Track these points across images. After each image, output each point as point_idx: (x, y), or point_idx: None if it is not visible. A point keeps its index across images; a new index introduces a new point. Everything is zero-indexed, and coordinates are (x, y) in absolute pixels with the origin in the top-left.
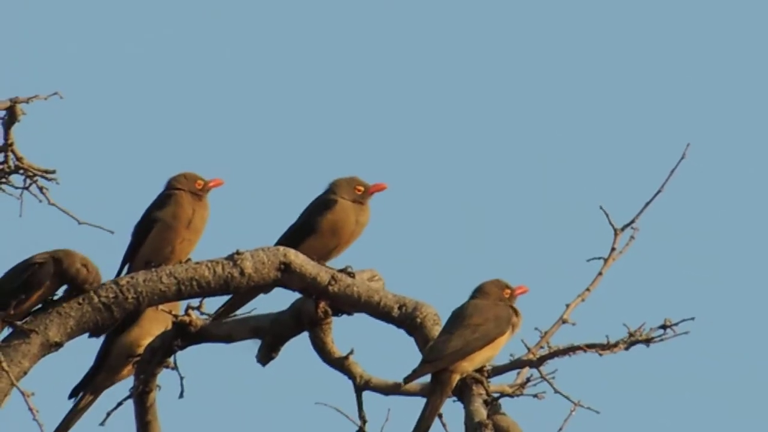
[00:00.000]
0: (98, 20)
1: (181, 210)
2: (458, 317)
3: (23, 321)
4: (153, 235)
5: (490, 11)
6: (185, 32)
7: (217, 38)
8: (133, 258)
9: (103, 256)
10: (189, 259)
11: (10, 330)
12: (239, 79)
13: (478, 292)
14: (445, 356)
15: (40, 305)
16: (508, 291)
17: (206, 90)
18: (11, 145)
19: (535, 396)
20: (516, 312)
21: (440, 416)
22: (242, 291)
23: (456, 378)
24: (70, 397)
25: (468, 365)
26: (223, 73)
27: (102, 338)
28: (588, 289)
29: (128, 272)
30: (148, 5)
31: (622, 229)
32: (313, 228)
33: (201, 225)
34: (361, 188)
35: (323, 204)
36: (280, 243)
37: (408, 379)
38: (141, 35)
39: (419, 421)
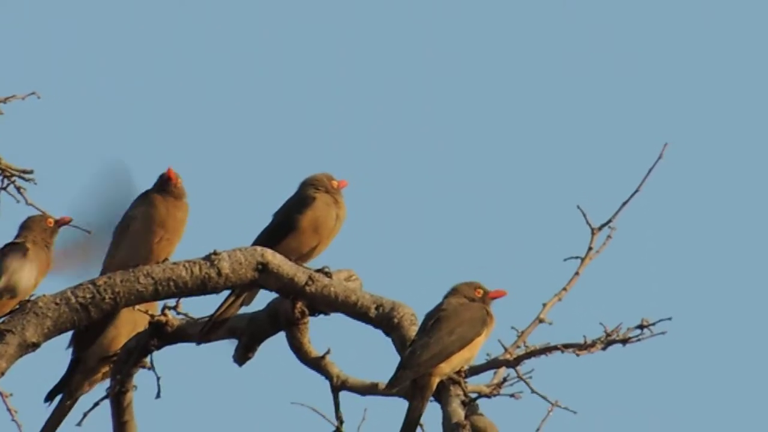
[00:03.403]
0: (78, 19)
1: (154, 209)
2: (434, 319)
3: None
4: (129, 234)
5: (468, 10)
6: (165, 32)
7: (195, 40)
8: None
9: None
10: (166, 260)
11: None
12: (221, 80)
13: (453, 292)
14: (424, 362)
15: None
16: (481, 291)
17: (184, 90)
18: None
19: (512, 396)
20: (489, 314)
21: None
22: (219, 291)
23: (436, 381)
24: (46, 400)
25: (446, 367)
26: (204, 74)
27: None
28: (565, 289)
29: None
30: (129, 5)
31: (599, 229)
32: (292, 226)
33: (177, 225)
34: (335, 182)
35: (302, 201)
36: (257, 243)
37: (390, 386)
38: (119, 35)
39: (404, 427)
